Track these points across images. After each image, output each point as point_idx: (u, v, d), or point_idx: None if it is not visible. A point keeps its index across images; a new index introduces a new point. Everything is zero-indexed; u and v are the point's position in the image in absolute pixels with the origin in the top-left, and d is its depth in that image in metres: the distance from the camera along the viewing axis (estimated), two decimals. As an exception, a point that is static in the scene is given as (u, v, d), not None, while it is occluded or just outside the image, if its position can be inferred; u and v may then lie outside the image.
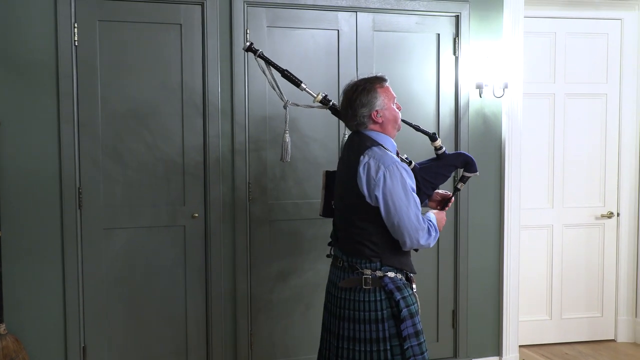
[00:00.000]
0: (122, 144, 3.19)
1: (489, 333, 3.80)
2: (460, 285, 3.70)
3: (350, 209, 2.42)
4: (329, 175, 2.72)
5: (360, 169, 2.33)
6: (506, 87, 3.58)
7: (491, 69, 3.57)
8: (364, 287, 2.38)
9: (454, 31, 3.61)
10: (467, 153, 2.72)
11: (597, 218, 4.33)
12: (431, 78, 3.61)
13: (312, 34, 3.41)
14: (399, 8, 3.49)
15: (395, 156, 2.38)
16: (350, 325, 2.41)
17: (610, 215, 4.33)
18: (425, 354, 2.41)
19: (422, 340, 2.41)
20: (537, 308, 4.29)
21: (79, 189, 3.13)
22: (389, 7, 3.47)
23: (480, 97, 3.61)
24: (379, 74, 2.49)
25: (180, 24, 3.22)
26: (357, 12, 3.45)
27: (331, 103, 2.69)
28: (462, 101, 3.61)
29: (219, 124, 3.27)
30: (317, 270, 3.50)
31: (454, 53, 3.62)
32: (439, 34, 3.59)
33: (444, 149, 2.67)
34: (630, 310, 4.38)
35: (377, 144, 2.38)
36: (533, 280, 4.25)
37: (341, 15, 3.43)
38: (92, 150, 3.15)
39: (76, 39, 3.09)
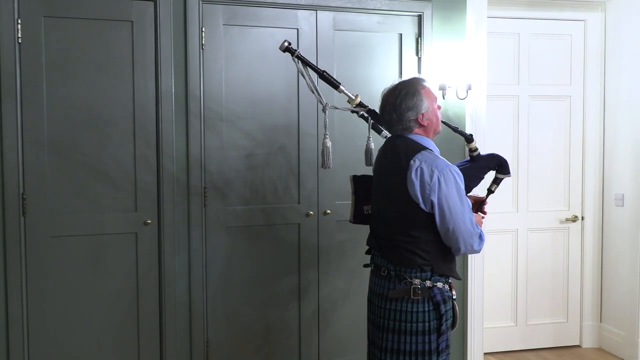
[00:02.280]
0: (69, 148, 3.19)
1: (453, 340, 3.88)
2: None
3: (399, 216, 2.43)
4: (356, 180, 2.78)
5: (412, 174, 2.35)
6: (470, 88, 3.69)
7: (454, 70, 3.68)
8: (412, 297, 2.41)
9: (417, 31, 3.70)
10: (500, 154, 2.78)
11: (561, 222, 4.48)
12: (393, 79, 3.63)
13: (271, 33, 3.46)
14: (360, 7, 3.56)
15: (445, 159, 2.42)
16: (396, 336, 2.44)
17: (574, 219, 4.49)
18: None
19: (449, 352, 2.50)
20: (502, 314, 4.42)
21: (22, 195, 3.11)
22: (350, 5, 3.54)
23: (444, 98, 3.71)
24: (418, 76, 2.51)
25: (132, 21, 3.23)
26: (317, 11, 3.51)
27: (368, 107, 2.73)
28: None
29: (172, 126, 3.29)
30: (276, 277, 3.55)
31: (417, 54, 3.71)
32: (401, 34, 3.68)
33: (478, 150, 2.76)
34: (595, 315, 4.55)
35: (425, 148, 2.42)
36: (498, 285, 4.37)
37: (301, 13, 3.49)
38: (38, 154, 3.13)
39: (19, 36, 3.07)
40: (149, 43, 3.26)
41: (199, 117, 3.35)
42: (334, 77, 2.77)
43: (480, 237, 2.42)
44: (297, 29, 3.50)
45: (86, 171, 3.22)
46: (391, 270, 2.46)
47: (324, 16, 3.54)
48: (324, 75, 2.75)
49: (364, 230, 3.64)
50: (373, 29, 3.64)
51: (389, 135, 2.72)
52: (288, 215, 3.54)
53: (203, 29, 3.33)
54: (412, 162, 2.36)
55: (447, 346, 2.47)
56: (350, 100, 2.74)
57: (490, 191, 2.84)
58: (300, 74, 2.71)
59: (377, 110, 2.63)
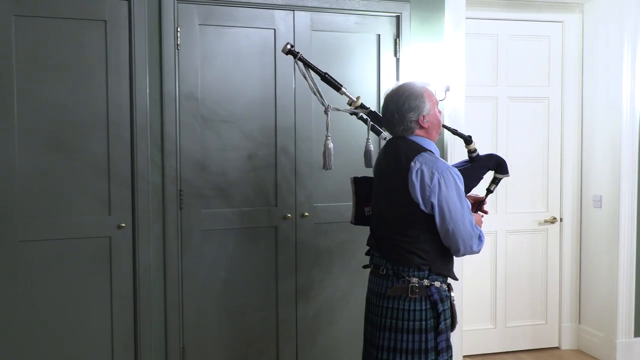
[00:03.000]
0: (40, 149, 3.17)
1: (432, 344, 3.91)
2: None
3: (399, 217, 2.48)
4: (357, 181, 2.84)
5: (413, 175, 2.40)
6: (448, 90, 3.73)
7: (433, 72, 3.72)
8: (409, 295, 2.46)
9: (395, 32, 3.73)
10: (498, 155, 2.87)
11: (540, 224, 4.54)
12: (372, 80, 3.72)
13: (247, 33, 3.47)
14: (337, 7, 3.58)
15: (445, 161, 2.49)
16: (392, 334, 2.49)
17: (553, 220, 4.55)
18: None
19: (451, 354, 2.54)
20: (481, 316, 4.47)
21: (-8, 197, 3.08)
22: (327, 6, 3.56)
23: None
24: (422, 80, 2.63)
25: (105, 21, 3.22)
26: (295, 11, 3.53)
27: (369, 108, 2.81)
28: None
29: (147, 127, 3.29)
30: (254, 281, 3.56)
31: (395, 54, 3.74)
32: (379, 35, 3.71)
33: (477, 151, 2.84)
34: (573, 316, 4.62)
35: (425, 150, 2.48)
36: (477, 287, 4.42)
37: (278, 13, 3.50)
38: (7, 155, 3.10)
39: (-11, 34, 3.04)
40: (123, 43, 3.25)
41: (174, 118, 3.34)
42: (336, 79, 2.82)
43: (480, 238, 2.48)
44: (274, 29, 3.51)
45: (58, 173, 3.19)
46: (389, 269, 2.52)
47: (301, 16, 3.55)
48: (325, 77, 2.80)
49: (343, 233, 3.69)
50: (351, 30, 3.66)
51: (387, 136, 2.82)
52: (265, 218, 3.55)
53: (178, 29, 3.33)
54: (412, 163, 2.42)
55: (449, 347, 2.52)
56: (351, 102, 2.80)
57: (489, 191, 2.91)
58: (303, 76, 2.77)
59: (375, 112, 2.76)
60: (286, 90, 3.54)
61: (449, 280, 2.57)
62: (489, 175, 2.87)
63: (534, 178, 4.53)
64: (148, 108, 3.29)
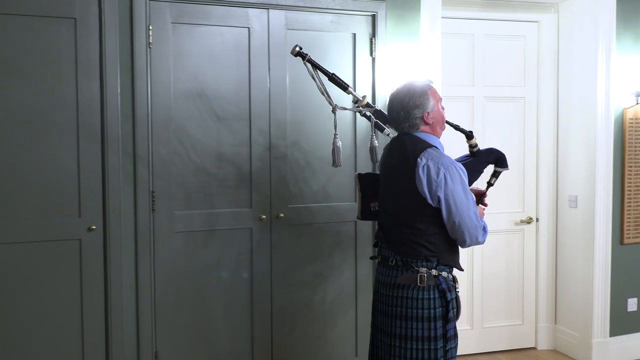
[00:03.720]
0: (8, 149, 3.13)
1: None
2: (379, 297, 3.82)
3: (407, 211, 2.64)
4: (361, 177, 3.00)
5: (420, 171, 2.56)
6: (431, 82, 3.74)
7: (409, 71, 3.74)
8: (419, 284, 2.62)
9: (371, 31, 3.75)
10: (497, 149, 3.03)
11: (516, 224, 4.60)
12: (347, 79, 3.74)
13: (221, 32, 3.46)
14: (312, 6, 3.59)
15: (450, 156, 2.64)
16: (403, 322, 2.64)
17: (529, 220, 4.61)
18: (456, 357, 2.71)
19: (457, 342, 2.71)
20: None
21: (-43, 200, 3.03)
22: (302, 4, 3.57)
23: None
24: (425, 78, 2.77)
25: (75, 18, 3.19)
26: (269, 10, 3.53)
27: (375, 107, 2.94)
28: (380, 104, 3.75)
29: (118, 127, 3.27)
30: (227, 284, 3.56)
31: (371, 54, 3.76)
32: (355, 34, 3.72)
33: (478, 146, 3.01)
34: (549, 317, 4.68)
35: (431, 146, 2.64)
36: (454, 289, 4.44)
37: (252, 12, 3.50)
38: (-27, 157, 3.06)
39: (-46, 32, 3.00)
40: (93, 42, 3.22)
41: (146, 117, 3.32)
42: (342, 80, 2.90)
43: (484, 229, 2.65)
44: (249, 28, 3.51)
45: (26, 174, 3.16)
46: (399, 261, 2.67)
47: (276, 15, 3.56)
48: (333, 78, 2.90)
49: (319, 235, 3.70)
50: (326, 29, 3.68)
51: (390, 133, 3.04)
52: (240, 220, 3.55)
53: (150, 27, 3.31)
54: (419, 159, 2.58)
55: (456, 334, 2.68)
56: (357, 101, 2.90)
57: (490, 184, 3.07)
58: (311, 77, 2.85)
59: (380, 110, 2.93)
60: (261, 90, 3.55)
61: (454, 272, 2.73)
62: (489, 169, 3.03)
63: (510, 178, 4.58)
64: (119, 108, 3.27)
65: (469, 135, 3.02)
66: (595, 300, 4.35)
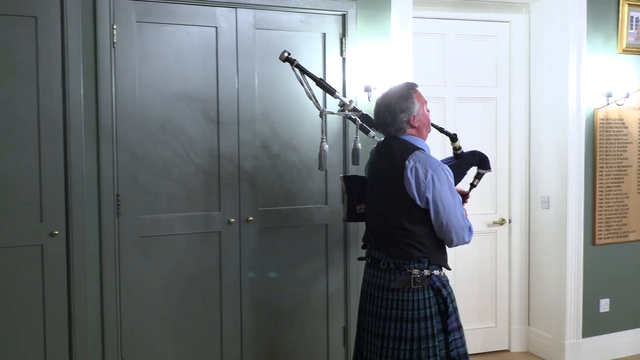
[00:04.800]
0: (-35, 153, 3.07)
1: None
2: (351, 301, 3.84)
3: (397, 212, 2.74)
4: (347, 180, 3.14)
5: (408, 173, 2.67)
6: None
7: (380, 71, 3.78)
8: (412, 286, 2.72)
9: (341, 31, 3.77)
10: (480, 151, 3.16)
11: (489, 225, 4.66)
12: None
13: (188, 31, 3.46)
14: (282, 5, 3.60)
15: (436, 159, 2.75)
16: (398, 324, 2.73)
17: (502, 222, 4.67)
18: (465, 345, 2.82)
19: (463, 333, 2.82)
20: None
21: None
22: (271, 3, 3.58)
23: (369, 100, 3.80)
24: (409, 81, 2.89)
25: (36, 17, 3.16)
26: (237, 9, 3.53)
27: (361, 111, 3.08)
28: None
29: (81, 128, 3.24)
30: (195, 290, 3.54)
31: (341, 54, 3.78)
32: (325, 34, 3.74)
33: (462, 149, 3.11)
34: (523, 319, 4.75)
35: (418, 148, 2.75)
36: (427, 292, 4.47)
37: (219, 11, 3.50)
38: None
39: None
40: (55, 41, 3.19)
41: (110, 119, 3.30)
42: (329, 84, 3.02)
43: (470, 229, 2.77)
44: (216, 27, 3.51)
45: (-15, 179, 3.11)
46: (391, 263, 2.76)
47: (244, 14, 3.56)
48: (320, 83, 3.00)
49: (289, 238, 3.70)
50: (296, 28, 3.68)
51: (375, 135, 3.14)
52: (208, 224, 3.53)
53: (114, 26, 3.29)
54: (407, 162, 2.68)
55: (459, 326, 2.80)
56: (345, 105, 3.00)
57: (472, 185, 3.21)
58: (299, 82, 2.96)
59: (367, 114, 3.08)
60: (229, 91, 3.54)
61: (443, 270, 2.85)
62: (472, 171, 3.16)
63: (482, 179, 4.61)
64: (82, 109, 3.24)
65: (453, 138, 3.11)
66: (568, 302, 4.42)
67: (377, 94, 3.73)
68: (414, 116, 2.77)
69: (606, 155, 4.53)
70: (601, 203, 4.53)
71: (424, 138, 2.86)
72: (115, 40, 3.29)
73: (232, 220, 3.58)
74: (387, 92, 2.83)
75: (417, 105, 2.78)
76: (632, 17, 4.53)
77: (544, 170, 4.57)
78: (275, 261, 3.71)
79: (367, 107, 3.80)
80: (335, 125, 3.79)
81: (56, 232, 3.23)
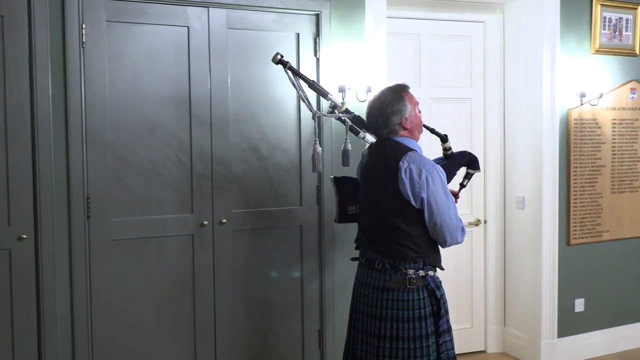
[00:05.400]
0: None
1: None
2: (327, 303, 3.85)
3: (391, 213, 2.80)
4: (338, 181, 3.21)
5: (402, 174, 2.73)
6: (369, 90, 3.81)
7: (354, 72, 3.80)
8: (408, 286, 2.77)
9: (315, 31, 3.79)
10: (470, 152, 3.26)
11: (465, 226, 4.66)
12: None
13: (159, 31, 3.45)
14: (254, 4, 3.61)
15: (429, 159, 2.83)
16: (394, 324, 2.78)
17: (477, 222, 4.72)
18: (454, 348, 2.90)
19: (452, 336, 2.89)
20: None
21: None
22: (244, 3, 3.58)
23: (343, 100, 3.79)
24: (401, 83, 2.93)
25: (2, 16, 3.14)
26: (209, 8, 3.53)
27: (353, 113, 3.14)
28: (324, 105, 3.78)
29: (50, 130, 3.22)
30: (168, 294, 3.53)
31: (315, 54, 3.79)
32: (298, 34, 3.75)
33: (452, 149, 3.20)
34: (499, 319, 4.80)
35: (411, 149, 2.81)
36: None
37: (191, 10, 3.49)
38: None
39: None
40: (22, 40, 3.16)
41: (79, 120, 3.28)
42: (322, 87, 3.11)
43: (463, 230, 2.84)
44: (188, 27, 3.50)
45: (-50, 182, 3.07)
46: (386, 263, 2.82)
47: (217, 14, 3.55)
48: (313, 85, 3.07)
49: (264, 240, 3.70)
50: (269, 28, 3.69)
51: (365, 136, 3.22)
52: (180, 226, 3.52)
53: (83, 26, 3.27)
54: (401, 163, 2.74)
55: (449, 328, 2.87)
56: (337, 107, 3.07)
57: (462, 186, 3.32)
58: (292, 84, 3.04)
59: (359, 116, 3.13)
60: (202, 91, 3.53)
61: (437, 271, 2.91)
62: (461, 171, 3.27)
63: (457, 180, 4.65)
64: (51, 110, 3.21)
65: (444, 139, 3.19)
66: (543, 302, 4.48)
67: (351, 95, 3.79)
68: (406, 118, 2.84)
69: (580, 155, 4.60)
70: (575, 203, 4.59)
71: (416, 139, 2.93)
72: (84, 40, 3.27)
73: (205, 222, 3.57)
74: (379, 95, 2.89)
75: (409, 108, 2.85)
76: (605, 18, 4.61)
77: (519, 171, 4.62)
78: (248, 264, 3.71)
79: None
80: (311, 126, 3.80)
81: (24, 236, 3.20)
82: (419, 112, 2.93)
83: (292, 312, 3.84)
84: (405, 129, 2.86)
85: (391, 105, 2.82)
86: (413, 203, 2.73)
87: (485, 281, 4.79)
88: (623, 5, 4.68)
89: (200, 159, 3.55)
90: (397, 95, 2.85)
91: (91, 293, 3.35)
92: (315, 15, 3.79)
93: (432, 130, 3.21)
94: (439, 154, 3.29)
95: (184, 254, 3.55)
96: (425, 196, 2.71)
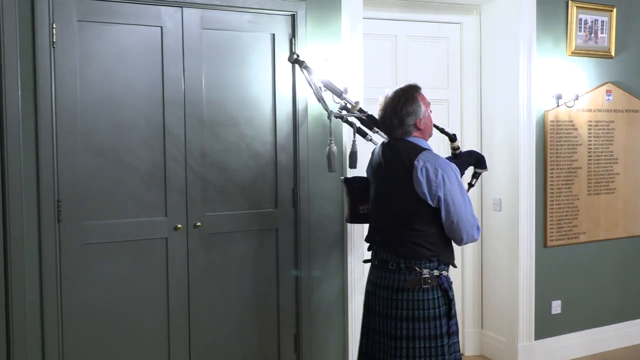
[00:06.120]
0: None
1: (334, 356, 3.99)
2: (303, 307, 3.87)
3: (407, 213, 2.88)
4: (348, 181, 3.28)
5: (418, 173, 2.81)
6: (346, 92, 3.81)
7: (330, 73, 3.79)
8: (423, 286, 2.85)
9: (290, 32, 3.80)
10: (477, 151, 3.39)
11: (442, 228, 4.71)
12: (267, 81, 3.77)
13: (132, 31, 3.44)
14: (229, 5, 3.61)
15: (444, 158, 2.93)
16: (410, 324, 2.86)
17: (454, 225, 4.74)
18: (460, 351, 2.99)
19: (459, 338, 2.98)
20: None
21: None
22: (218, 3, 3.58)
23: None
24: (413, 83, 3.01)
25: (-31, 15, 3.09)
26: (183, 8, 3.53)
27: (367, 112, 3.22)
28: (300, 106, 3.80)
29: (19, 131, 3.20)
30: (142, 300, 3.52)
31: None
32: (274, 34, 3.77)
33: (460, 149, 3.30)
34: (476, 322, 4.84)
35: (424, 149, 2.90)
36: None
37: (164, 10, 3.49)
38: None
39: None
40: (-10, 40, 3.13)
41: (50, 121, 3.25)
42: (337, 86, 3.23)
43: (478, 228, 2.94)
44: (161, 27, 3.50)
45: None
46: (401, 264, 2.89)
47: (191, 13, 3.55)
48: (328, 84, 3.19)
49: (241, 244, 3.70)
50: (244, 29, 3.70)
51: (373, 138, 3.34)
52: (154, 230, 3.51)
53: (54, 25, 3.25)
54: (416, 162, 2.82)
55: (457, 329, 2.96)
56: (351, 107, 3.18)
57: (471, 185, 3.39)
58: (308, 84, 3.19)
59: (372, 116, 3.21)
60: (175, 92, 3.53)
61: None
62: (470, 170, 3.37)
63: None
64: (20, 110, 3.19)
65: (452, 138, 3.29)
66: (520, 304, 4.53)
67: (327, 97, 3.78)
68: (420, 119, 2.94)
69: (557, 157, 4.66)
70: (552, 205, 4.66)
71: (426, 139, 3.02)
72: (55, 40, 3.25)
73: (179, 226, 3.56)
74: (393, 96, 2.96)
75: (422, 108, 2.95)
76: (580, 20, 4.68)
77: (495, 173, 4.67)
78: (223, 267, 3.70)
79: (317, 109, 3.83)
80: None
81: (-8, 241, 3.18)
82: (430, 112, 3.02)
83: (268, 316, 3.84)
84: (419, 129, 2.96)
85: (406, 106, 2.90)
86: (430, 202, 2.81)
87: (463, 284, 4.83)
88: (599, 8, 4.76)
89: (174, 160, 3.54)
90: (411, 96, 2.93)
91: (62, 299, 3.33)
92: (290, 15, 3.80)
93: (442, 130, 3.31)
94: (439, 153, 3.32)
95: (157, 258, 3.54)
96: (442, 195, 2.79)
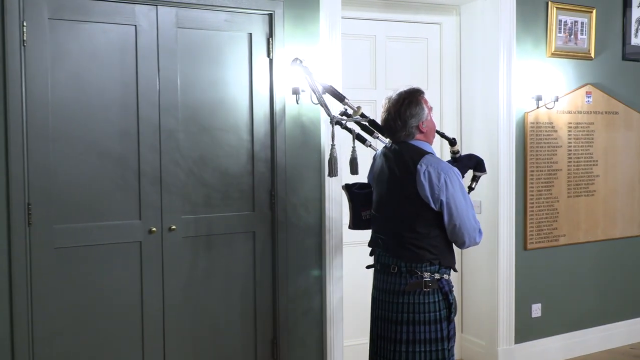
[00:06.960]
0: None
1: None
2: (280, 311, 3.87)
3: (409, 216, 2.93)
4: (349, 188, 3.29)
5: (421, 177, 2.86)
6: (324, 92, 3.82)
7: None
8: (424, 289, 2.90)
9: (268, 31, 3.81)
10: (476, 154, 3.41)
11: (421, 231, 4.73)
12: (244, 81, 3.77)
13: (105, 29, 3.43)
14: (205, 3, 3.61)
15: (446, 162, 2.98)
16: (410, 327, 2.91)
17: (434, 227, 4.76)
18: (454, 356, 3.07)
19: (454, 343, 3.03)
20: (362, 330, 4.57)
21: None
22: (194, 1, 3.59)
23: (298, 103, 3.84)
24: (416, 86, 3.05)
25: (-64, 12, 3.06)
26: (158, 6, 3.53)
27: (369, 117, 3.26)
28: (278, 107, 3.81)
29: (-12, 133, 3.15)
30: (115, 306, 3.51)
31: (268, 55, 3.81)
32: (251, 34, 3.77)
33: (460, 152, 3.36)
34: (457, 326, 4.84)
35: (427, 152, 2.94)
36: (358, 301, 4.52)
37: (139, 8, 3.48)
38: None
39: None
40: (-42, 38, 3.10)
41: (20, 123, 3.23)
42: (339, 91, 3.32)
43: (480, 231, 2.98)
44: (135, 26, 3.49)
45: None
46: (402, 267, 2.94)
47: (166, 12, 3.55)
48: (331, 89, 3.28)
49: (218, 247, 3.70)
50: (221, 28, 3.70)
51: (372, 144, 3.42)
52: (127, 233, 3.50)
53: (24, 23, 3.23)
54: (419, 166, 2.88)
55: (455, 333, 3.02)
56: (353, 112, 3.20)
57: (471, 189, 3.41)
58: (311, 89, 3.23)
59: (374, 120, 3.28)
60: (150, 92, 3.52)
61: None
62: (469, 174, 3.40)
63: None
64: (-11, 112, 3.16)
65: (452, 142, 3.35)
66: (500, 308, 4.58)
67: (305, 97, 3.81)
68: (423, 122, 2.99)
69: (537, 159, 4.72)
70: (532, 207, 4.71)
71: (431, 143, 3.07)
72: (25, 39, 3.22)
73: (154, 229, 3.55)
74: (396, 98, 2.99)
75: (425, 111, 3.00)
76: (560, 21, 4.75)
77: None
78: (199, 271, 3.70)
79: (295, 110, 3.85)
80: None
81: (-40, 245, 3.14)
82: (432, 115, 3.07)
83: (245, 321, 3.84)
84: (421, 132, 3.00)
85: (409, 109, 2.95)
86: (432, 205, 2.85)
87: (443, 287, 4.85)
88: (578, 9, 4.82)
89: (148, 162, 3.53)
90: (414, 98, 2.97)
91: (32, 304, 3.30)
92: (268, 15, 3.81)
93: (442, 135, 3.39)
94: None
95: (131, 262, 3.53)
96: (444, 199, 2.84)
